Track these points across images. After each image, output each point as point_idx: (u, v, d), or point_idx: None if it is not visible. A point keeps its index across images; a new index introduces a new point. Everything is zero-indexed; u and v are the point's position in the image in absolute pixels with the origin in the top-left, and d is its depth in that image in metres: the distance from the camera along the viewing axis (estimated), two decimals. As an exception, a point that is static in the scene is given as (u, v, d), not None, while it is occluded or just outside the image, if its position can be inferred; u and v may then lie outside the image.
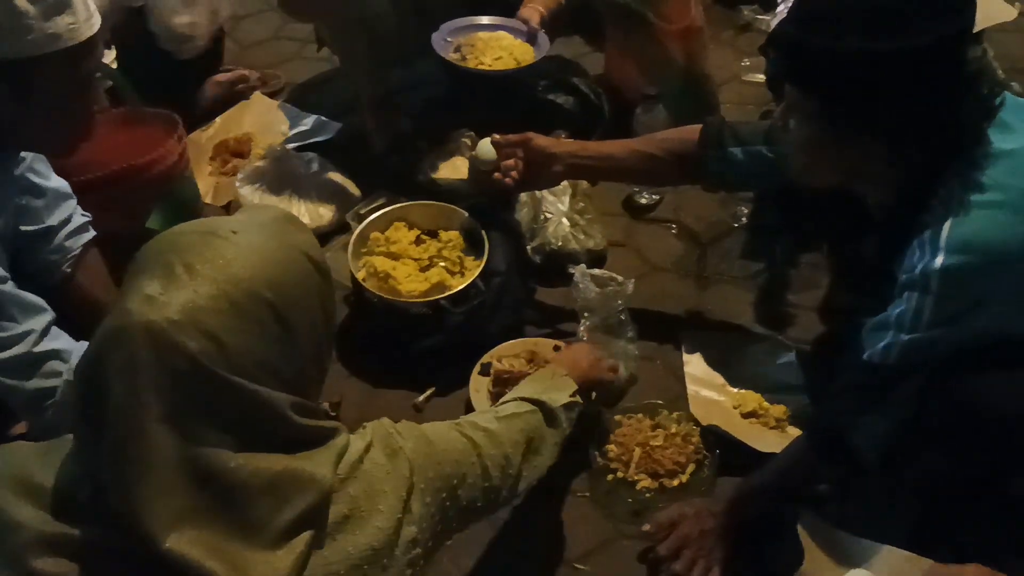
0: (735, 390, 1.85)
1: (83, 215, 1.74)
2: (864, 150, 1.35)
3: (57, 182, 1.69)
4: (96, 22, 1.45)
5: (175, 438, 0.90)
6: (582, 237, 2.13)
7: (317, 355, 1.04)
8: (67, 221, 1.70)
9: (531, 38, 2.28)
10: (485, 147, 1.91)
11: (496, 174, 1.88)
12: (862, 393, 1.38)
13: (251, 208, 1.09)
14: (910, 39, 1.21)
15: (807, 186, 1.54)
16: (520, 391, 1.43)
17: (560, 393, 1.42)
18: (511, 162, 1.87)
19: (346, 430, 1.06)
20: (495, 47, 2.24)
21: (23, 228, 1.64)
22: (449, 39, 2.31)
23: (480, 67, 2.19)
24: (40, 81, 1.41)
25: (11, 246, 1.59)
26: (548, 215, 2.13)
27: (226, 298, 0.93)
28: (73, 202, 1.72)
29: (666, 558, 1.54)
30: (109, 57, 2.47)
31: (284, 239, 1.02)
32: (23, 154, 1.59)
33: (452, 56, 2.22)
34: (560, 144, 1.91)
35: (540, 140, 1.89)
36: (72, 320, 1.74)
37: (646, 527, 1.58)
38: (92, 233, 1.74)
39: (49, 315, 1.51)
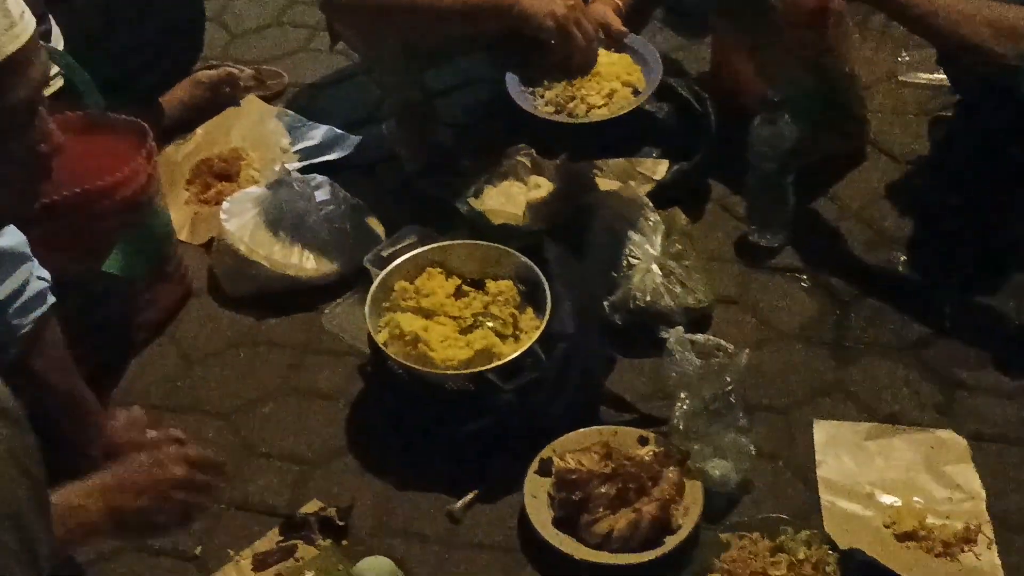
0: (887, 502, 1.84)
1: (40, 278, 1.76)
2: None
3: (11, 239, 1.70)
4: (23, 30, 1.28)
5: None
6: (679, 291, 2.14)
7: None
8: (20, 292, 1.72)
9: (618, 45, 2.30)
10: None
11: None
12: None
13: None
14: None
15: None
16: None
17: None
18: None
19: None
20: (594, 78, 2.24)
21: None
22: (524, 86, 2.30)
23: (592, 111, 2.21)
24: None
25: None
26: (634, 260, 2.14)
27: None
28: (30, 265, 1.74)
29: None
30: (61, 41, 2.47)
31: None
32: None
33: (544, 110, 2.23)
34: None
35: None
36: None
37: None
38: (49, 303, 1.77)
39: None
